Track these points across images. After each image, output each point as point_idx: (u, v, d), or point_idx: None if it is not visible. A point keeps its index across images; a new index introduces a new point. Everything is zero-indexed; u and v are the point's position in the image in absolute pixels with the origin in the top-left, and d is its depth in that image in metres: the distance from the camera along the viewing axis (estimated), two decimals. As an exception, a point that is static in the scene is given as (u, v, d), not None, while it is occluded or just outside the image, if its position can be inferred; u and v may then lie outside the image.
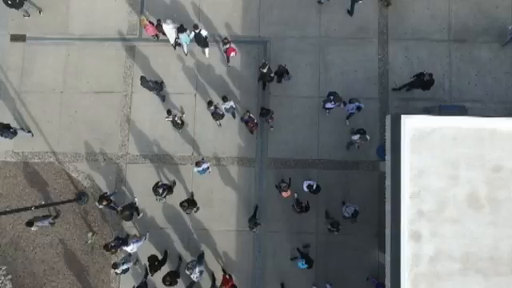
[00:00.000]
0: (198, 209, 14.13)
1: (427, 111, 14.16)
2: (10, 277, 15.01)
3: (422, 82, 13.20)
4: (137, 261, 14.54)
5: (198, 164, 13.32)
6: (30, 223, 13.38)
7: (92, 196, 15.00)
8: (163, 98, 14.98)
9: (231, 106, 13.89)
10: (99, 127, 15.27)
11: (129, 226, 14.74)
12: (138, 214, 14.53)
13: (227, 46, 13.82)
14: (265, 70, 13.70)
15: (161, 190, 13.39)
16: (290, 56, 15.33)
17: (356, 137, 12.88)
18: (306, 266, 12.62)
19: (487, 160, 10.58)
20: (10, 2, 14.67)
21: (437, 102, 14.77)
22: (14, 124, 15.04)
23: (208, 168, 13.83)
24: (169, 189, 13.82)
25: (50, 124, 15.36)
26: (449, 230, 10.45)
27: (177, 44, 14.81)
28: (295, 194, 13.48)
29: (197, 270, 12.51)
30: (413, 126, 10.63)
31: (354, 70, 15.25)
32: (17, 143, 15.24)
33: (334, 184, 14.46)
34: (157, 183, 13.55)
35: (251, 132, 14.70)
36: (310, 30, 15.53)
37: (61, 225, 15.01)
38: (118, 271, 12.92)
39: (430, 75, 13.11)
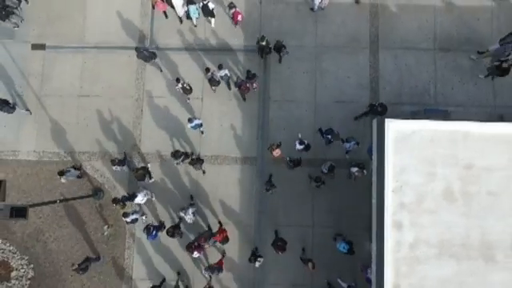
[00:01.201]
0: (204, 171, 16.13)
1: (413, 114, 15.93)
2: (32, 266, 16.75)
3: (376, 111, 14.81)
4: (144, 214, 16.33)
5: (190, 120, 15.41)
6: (61, 173, 15.29)
7: (107, 192, 16.71)
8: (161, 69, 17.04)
9: (225, 74, 15.85)
10: (113, 128, 16.97)
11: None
12: (150, 178, 16.23)
13: (233, 10, 15.81)
14: (263, 43, 15.67)
15: (179, 154, 15.14)
16: (289, 63, 17.06)
17: (354, 169, 14.59)
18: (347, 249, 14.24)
19: (460, 159, 12.32)
20: None
21: (423, 106, 16.49)
22: (34, 126, 16.80)
23: (201, 125, 15.82)
24: (186, 155, 15.56)
25: (67, 125, 17.08)
26: (426, 220, 12.20)
27: (187, 17, 16.66)
28: (287, 157, 15.23)
29: (190, 210, 14.66)
30: (395, 128, 12.39)
31: (347, 76, 16.98)
32: (38, 143, 16.98)
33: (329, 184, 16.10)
34: (176, 150, 15.33)
35: (243, 97, 16.58)
36: (306, 40, 17.25)
37: (78, 218, 16.72)
38: (128, 220, 15.01)
39: (381, 105, 14.76)
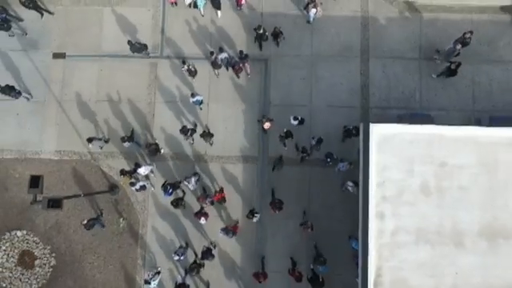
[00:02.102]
0: (212, 144, 18.77)
1: (400, 118, 18.15)
2: (54, 255, 19.04)
3: (352, 133, 17.39)
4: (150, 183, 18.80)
5: (192, 95, 17.88)
6: (90, 140, 18.05)
7: (122, 188, 18.99)
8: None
9: (225, 57, 18.23)
10: (127, 131, 19.21)
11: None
12: (160, 152, 18.76)
13: None
14: (260, 31, 18.14)
15: (187, 129, 17.64)
16: (287, 71, 19.38)
17: (350, 184, 16.86)
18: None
19: (435, 158, 14.63)
20: None
21: (409, 111, 18.77)
22: (55, 128, 19.12)
23: (201, 102, 18.37)
24: (192, 130, 18.00)
25: (86, 127, 19.39)
26: (405, 210, 14.52)
27: (194, 6, 19.14)
28: (284, 129, 17.69)
29: (193, 179, 17.26)
30: (378, 131, 14.70)
31: (340, 82, 19.27)
32: (59, 144, 19.30)
33: (324, 180, 18.33)
34: (184, 126, 17.86)
35: (237, 75, 19.08)
36: (303, 49, 19.56)
37: (96, 212, 18.96)
38: (137, 187, 17.69)
39: (355, 128, 17.06)
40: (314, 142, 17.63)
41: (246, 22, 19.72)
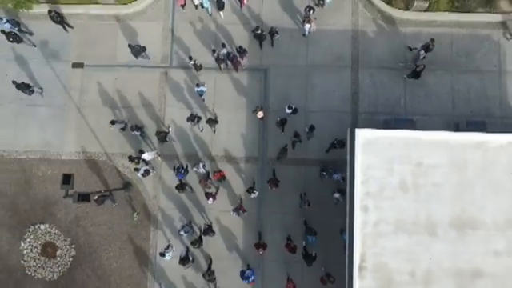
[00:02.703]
0: (215, 131, 21.61)
1: (386, 122, 20.77)
2: (73, 246, 21.66)
3: (335, 147, 20.04)
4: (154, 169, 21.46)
5: (197, 85, 20.83)
6: (112, 122, 20.88)
7: (135, 185, 21.59)
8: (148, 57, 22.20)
9: (227, 52, 21.01)
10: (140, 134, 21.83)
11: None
12: (167, 141, 21.45)
13: None
14: (259, 32, 20.99)
15: (194, 116, 20.50)
16: (285, 79, 21.97)
17: (337, 195, 19.48)
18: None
19: (412, 158, 17.25)
20: (11, 39, 21.30)
21: (394, 116, 21.35)
22: (74, 131, 21.75)
23: (204, 92, 21.04)
24: (199, 118, 20.76)
25: (102, 131, 22.00)
26: (386, 204, 17.13)
27: (202, 6, 21.97)
28: (278, 117, 20.58)
29: (201, 165, 20.26)
30: (363, 135, 17.32)
31: (332, 90, 21.87)
32: (78, 146, 21.94)
33: (318, 179, 20.87)
34: (191, 114, 20.71)
35: (236, 69, 21.68)
36: (299, 60, 22.20)
37: (113, 208, 21.55)
38: (142, 172, 20.51)
39: (339, 142, 19.65)
40: (307, 130, 20.37)
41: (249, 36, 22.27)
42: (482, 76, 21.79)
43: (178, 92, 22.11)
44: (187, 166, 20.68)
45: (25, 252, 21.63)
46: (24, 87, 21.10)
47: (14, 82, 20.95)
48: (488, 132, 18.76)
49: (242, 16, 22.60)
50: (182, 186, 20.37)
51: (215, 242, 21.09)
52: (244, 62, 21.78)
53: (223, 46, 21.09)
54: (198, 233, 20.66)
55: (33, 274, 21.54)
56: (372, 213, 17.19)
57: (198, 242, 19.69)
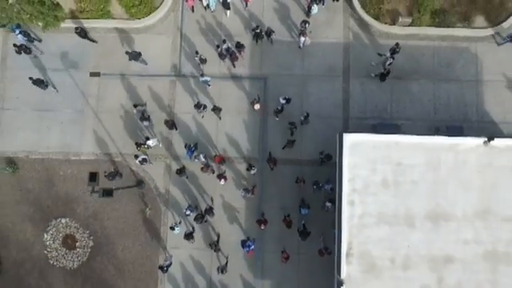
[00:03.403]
0: (220, 118, 24.80)
1: (374, 127, 23.78)
2: (92, 238, 24.69)
3: (324, 161, 23.23)
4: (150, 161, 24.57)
5: (202, 75, 23.88)
6: (135, 106, 24.26)
7: (147, 183, 24.61)
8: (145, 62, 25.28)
9: (229, 47, 24.05)
10: (152, 135, 24.83)
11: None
12: (176, 129, 24.60)
13: None
14: (258, 31, 24.17)
15: (200, 104, 23.65)
16: (282, 88, 24.99)
17: (329, 204, 22.46)
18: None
19: (393, 159, 20.26)
20: (22, 51, 24.37)
21: (382, 120, 24.38)
22: (92, 134, 24.81)
23: (208, 81, 24.07)
24: (204, 106, 23.85)
25: (117, 134, 25.09)
26: (370, 199, 20.13)
27: (208, 7, 25.23)
28: (278, 107, 23.89)
29: (201, 155, 23.23)
30: (350, 139, 20.34)
31: (325, 97, 24.92)
32: (95, 147, 25.02)
33: (313, 178, 23.88)
34: (198, 101, 23.86)
35: (233, 64, 24.81)
36: (295, 70, 25.25)
37: (126, 203, 24.61)
38: (140, 160, 23.59)
39: (327, 156, 22.82)
40: (302, 118, 23.67)
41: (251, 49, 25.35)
42: (461, 85, 24.84)
43: (185, 98, 25.14)
44: (196, 145, 23.87)
45: (47, 243, 24.68)
46: (39, 83, 24.35)
47: (30, 78, 24.15)
48: (465, 135, 21.84)
49: (244, 18, 25.94)
50: (180, 171, 23.57)
51: (221, 222, 24.34)
52: (242, 56, 24.87)
53: (224, 41, 24.18)
54: (201, 212, 23.82)
55: (55, 263, 24.58)
56: (358, 207, 20.18)
57: (200, 219, 22.90)
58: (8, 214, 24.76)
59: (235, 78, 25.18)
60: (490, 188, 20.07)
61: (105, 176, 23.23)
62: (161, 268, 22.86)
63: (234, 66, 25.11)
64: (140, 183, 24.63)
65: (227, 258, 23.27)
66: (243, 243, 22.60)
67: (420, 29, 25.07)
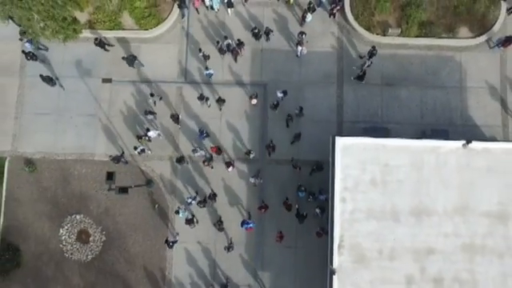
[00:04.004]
0: (221, 109, 27.53)
1: (365, 130, 26.38)
2: (104, 233, 27.26)
3: (314, 171, 26.02)
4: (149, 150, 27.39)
5: (206, 68, 26.85)
6: (152, 94, 27.22)
7: (156, 182, 27.18)
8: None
9: (228, 43, 26.85)
10: (160, 138, 27.42)
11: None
12: (179, 124, 27.39)
13: None
14: (256, 31, 27.11)
15: (203, 96, 26.50)
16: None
17: (318, 211, 25.17)
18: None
19: (381, 160, 22.87)
20: (29, 58, 27.07)
21: (372, 124, 26.99)
22: (104, 137, 27.42)
23: (212, 75, 27.21)
24: (207, 98, 26.74)
25: (128, 136, 27.66)
26: (360, 197, 22.75)
27: (211, 8, 28.08)
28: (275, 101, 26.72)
29: (198, 149, 25.89)
30: (342, 142, 22.96)
31: (321, 102, 27.54)
32: (107, 148, 27.60)
33: (309, 178, 26.44)
34: (201, 94, 26.67)
35: (235, 59, 27.70)
36: (293, 77, 27.91)
37: (136, 200, 27.18)
38: (139, 150, 26.30)
39: (318, 167, 25.71)
40: (297, 111, 26.37)
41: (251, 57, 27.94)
42: (447, 91, 27.52)
43: (191, 103, 27.73)
44: (207, 132, 26.82)
45: (63, 238, 27.18)
46: (48, 80, 27.16)
47: (40, 76, 26.93)
48: (450, 138, 24.58)
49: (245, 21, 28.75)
50: (180, 160, 26.49)
51: (224, 206, 27.02)
52: (242, 52, 27.71)
53: (225, 38, 26.97)
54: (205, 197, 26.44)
55: (70, 256, 27.09)
56: (349, 203, 22.78)
57: (203, 202, 25.75)
58: (27, 211, 27.36)
59: (237, 84, 27.80)
60: (468, 186, 22.71)
61: (111, 160, 26.24)
62: (167, 242, 25.50)
63: (236, 61, 27.89)
64: (149, 182, 27.18)
65: (231, 239, 25.89)
66: (242, 222, 25.59)
67: (408, 39, 27.78)
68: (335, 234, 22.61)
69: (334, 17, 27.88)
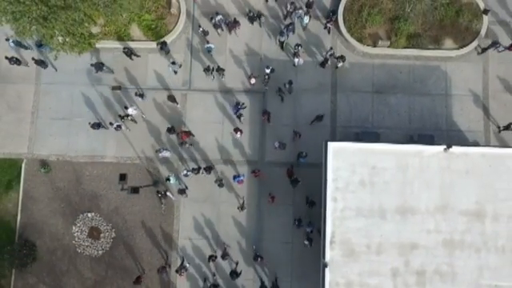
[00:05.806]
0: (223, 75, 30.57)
1: (356, 135, 29.29)
2: (114, 229, 30.10)
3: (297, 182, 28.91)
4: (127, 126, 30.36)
5: (207, 42, 29.74)
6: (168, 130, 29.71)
7: (162, 183, 30.07)
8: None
9: (221, 18, 29.70)
10: (165, 142, 30.32)
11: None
12: (177, 104, 30.09)
13: None
14: (251, 14, 29.93)
15: (209, 68, 29.63)
16: (279, 100, 30.43)
17: (307, 242, 27.28)
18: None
19: (369, 163, 25.75)
20: (12, 62, 30.03)
21: (364, 129, 29.88)
22: (114, 140, 30.31)
23: (212, 49, 30.16)
24: (212, 69, 29.36)
25: (136, 139, 30.58)
26: (350, 196, 25.62)
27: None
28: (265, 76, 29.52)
29: (167, 152, 29.14)
30: (333, 146, 25.86)
31: (316, 108, 30.40)
32: (117, 151, 30.47)
33: (306, 178, 29.28)
34: (208, 65, 29.72)
35: (230, 32, 30.72)
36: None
37: (144, 200, 30.05)
38: (115, 126, 29.06)
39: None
40: (287, 85, 29.28)
41: (251, 65, 30.85)
42: (433, 98, 30.40)
43: (195, 109, 30.64)
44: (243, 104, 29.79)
45: (75, 234, 29.52)
46: (40, 62, 29.96)
47: (33, 59, 29.98)
48: (435, 142, 27.57)
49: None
50: (170, 130, 28.96)
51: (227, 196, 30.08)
52: (236, 31, 30.64)
53: (217, 13, 29.60)
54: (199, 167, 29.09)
55: (82, 252, 29.66)
56: (340, 202, 25.66)
57: (196, 169, 28.62)
58: (42, 209, 30.14)
59: (238, 91, 30.68)
60: (449, 187, 25.57)
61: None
62: (177, 271, 27.67)
63: (230, 33, 30.84)
64: (156, 183, 30.06)
65: (237, 263, 28.53)
66: (234, 176, 28.74)
67: (397, 50, 30.63)
68: (327, 231, 25.50)
69: (329, 30, 30.75)
